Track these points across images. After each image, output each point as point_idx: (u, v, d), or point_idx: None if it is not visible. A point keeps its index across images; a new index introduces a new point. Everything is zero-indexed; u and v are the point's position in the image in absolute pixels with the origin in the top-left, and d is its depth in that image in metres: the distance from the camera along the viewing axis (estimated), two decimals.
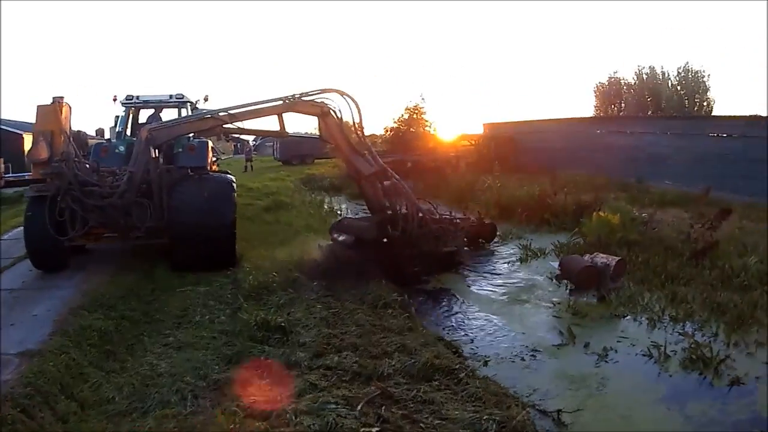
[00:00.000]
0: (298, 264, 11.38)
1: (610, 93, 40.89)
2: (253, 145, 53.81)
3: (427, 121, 31.05)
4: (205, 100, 14.61)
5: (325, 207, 21.82)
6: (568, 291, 9.95)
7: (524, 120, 31.91)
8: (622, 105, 40.41)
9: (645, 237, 12.63)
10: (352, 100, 12.23)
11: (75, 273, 11.49)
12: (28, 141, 23.33)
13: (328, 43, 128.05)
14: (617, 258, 10.03)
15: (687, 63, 38.60)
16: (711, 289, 9.33)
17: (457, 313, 9.72)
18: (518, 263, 12.40)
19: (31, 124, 13.04)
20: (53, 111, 11.75)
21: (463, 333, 8.65)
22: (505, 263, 12.67)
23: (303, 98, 12.08)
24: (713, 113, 35.40)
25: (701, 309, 8.57)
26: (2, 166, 21.77)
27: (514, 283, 11.08)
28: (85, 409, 6.29)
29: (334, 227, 13.65)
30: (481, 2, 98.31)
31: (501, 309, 9.61)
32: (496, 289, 10.76)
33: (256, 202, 21.17)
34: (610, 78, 41.34)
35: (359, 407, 5.69)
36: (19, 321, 8.66)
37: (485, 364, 7.27)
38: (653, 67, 39.33)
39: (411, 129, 29.83)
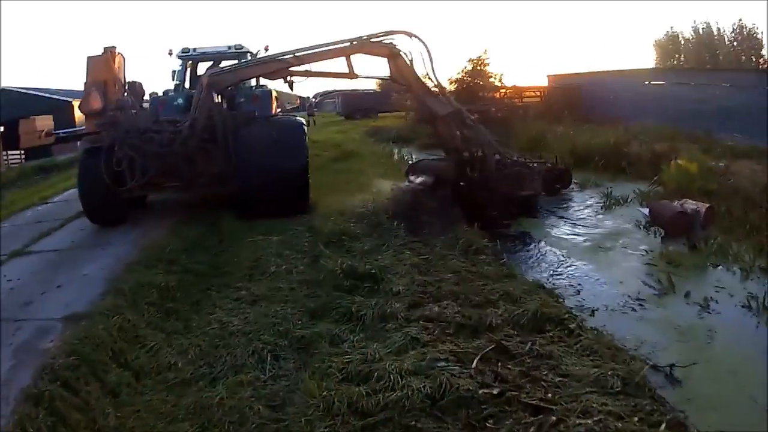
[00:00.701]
0: (377, 208, 10.31)
1: (669, 47, 38.65)
2: (315, 101, 50.19)
3: (491, 72, 29.65)
4: (266, 50, 13.07)
5: (395, 156, 20.70)
6: (659, 238, 9.15)
7: (589, 71, 30.26)
8: (681, 59, 38.04)
9: (723, 187, 11.68)
10: (422, 42, 11.16)
11: (132, 228, 10.40)
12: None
13: None
14: (707, 205, 9.23)
15: (740, 20, 36.19)
16: None
17: (548, 259, 8.80)
18: (601, 210, 11.54)
19: (78, 91, 12.01)
20: (105, 60, 10.90)
21: (561, 281, 7.68)
22: (586, 210, 11.81)
23: (371, 39, 11.02)
24: None
25: None
26: (51, 122, 19.74)
27: (600, 229, 10.26)
28: (140, 378, 5.17)
29: (410, 169, 12.79)
30: None
31: (592, 256, 8.77)
32: (583, 236, 9.95)
33: (323, 153, 19.98)
34: (668, 33, 39.06)
35: (474, 364, 4.79)
36: (67, 282, 7.47)
37: (593, 314, 6.37)
38: (709, 23, 37.21)
39: (476, 81, 28.53)
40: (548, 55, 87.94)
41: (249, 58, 12.81)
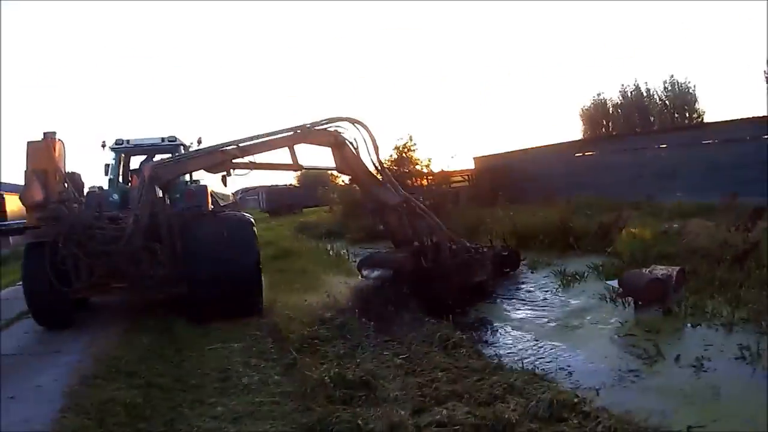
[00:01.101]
0: (337, 308, 10.42)
1: (597, 115, 40.84)
2: (238, 198, 52.32)
3: (417, 159, 30.65)
4: (199, 143, 13.56)
5: (332, 252, 20.98)
6: (633, 308, 9.43)
7: (515, 150, 31.93)
8: (611, 125, 40.34)
9: (680, 248, 12.41)
10: (365, 127, 11.69)
11: (79, 333, 10.34)
12: (10, 201, 21.14)
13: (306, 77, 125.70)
14: (677, 268, 9.69)
15: (672, 76, 38.49)
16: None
17: (523, 345, 8.86)
18: (558, 288, 11.87)
19: (8, 184, 12.21)
20: (45, 147, 10.68)
21: (548, 364, 7.69)
22: (542, 290, 12.14)
23: (315, 128, 11.47)
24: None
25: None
26: None
27: (564, 308, 10.54)
28: None
29: (363, 263, 12.96)
30: (451, 33, 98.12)
31: (565, 336, 8.96)
32: (548, 316, 10.17)
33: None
34: (595, 100, 41.41)
35: None
36: (20, 393, 7.36)
37: (597, 393, 6.36)
38: (638, 85, 39.40)
39: (402, 169, 29.37)
40: (474, 137, 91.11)
41: (182, 150, 13.34)
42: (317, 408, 6.14)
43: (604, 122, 40.56)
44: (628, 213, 16.85)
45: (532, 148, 30.59)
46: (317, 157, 12.25)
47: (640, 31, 76.42)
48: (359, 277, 12.66)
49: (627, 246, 12.70)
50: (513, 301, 11.71)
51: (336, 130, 11.61)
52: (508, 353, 8.36)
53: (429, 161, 29.21)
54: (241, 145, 11.06)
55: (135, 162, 14.58)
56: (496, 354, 8.16)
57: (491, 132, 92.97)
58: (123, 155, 14.20)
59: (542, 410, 5.57)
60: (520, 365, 7.41)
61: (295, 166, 11.70)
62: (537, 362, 7.78)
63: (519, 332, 9.55)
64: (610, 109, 40.66)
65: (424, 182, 29.61)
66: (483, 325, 10.36)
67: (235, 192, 51.22)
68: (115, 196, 12.89)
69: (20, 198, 10.99)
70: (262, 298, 11.12)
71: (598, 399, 6.13)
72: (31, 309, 10.73)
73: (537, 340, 8.88)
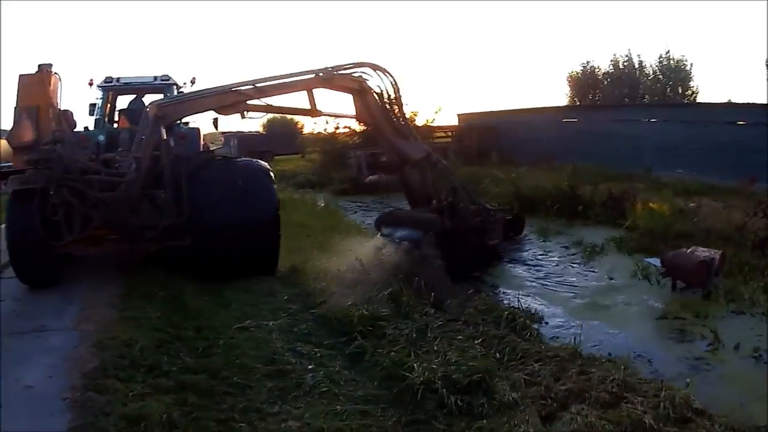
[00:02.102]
0: (374, 275, 9.49)
1: (585, 82, 41.02)
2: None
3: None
4: (192, 83, 13.19)
5: (321, 204, 20.84)
6: (669, 288, 9.79)
7: (503, 110, 32.18)
8: (598, 94, 40.61)
9: (697, 229, 12.88)
10: (390, 76, 11.42)
11: (66, 299, 9.02)
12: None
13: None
14: (719, 251, 9.98)
15: (668, 51, 38.85)
16: None
17: (574, 324, 8.75)
18: (583, 261, 12.15)
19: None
20: (39, 82, 10.02)
21: (621, 351, 7.47)
22: (563, 261, 12.42)
23: (339, 72, 11.06)
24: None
25: None
26: None
27: (598, 284, 10.76)
28: None
29: (384, 221, 12.08)
30: None
31: (612, 316, 9.12)
32: (585, 292, 10.35)
33: None
34: (585, 67, 41.50)
35: None
36: (6, 397, 5.57)
37: (687, 385, 6.32)
38: (630, 56, 39.52)
39: None
40: (458, 94, 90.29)
41: (175, 91, 12.88)
42: (423, 418, 5.46)
43: (592, 91, 40.91)
44: (635, 186, 17.30)
45: (522, 110, 31.01)
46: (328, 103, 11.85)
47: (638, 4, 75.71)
48: (378, 235, 11.89)
49: (645, 221, 13.06)
50: (529, 270, 12.02)
51: (361, 76, 11.30)
52: (567, 334, 8.28)
53: (415, 114, 29.10)
54: (258, 85, 10.51)
55: (123, 102, 13.98)
56: (559, 337, 8.26)
57: (475, 89, 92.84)
58: (111, 94, 13.61)
59: (670, 411, 5.48)
60: (597, 351, 7.44)
61: (313, 111, 11.19)
62: (607, 347, 7.79)
63: (561, 309, 9.68)
64: (600, 76, 40.99)
65: None
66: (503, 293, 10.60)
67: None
68: (101, 138, 12.08)
69: (7, 138, 10.09)
70: (278, 258, 10.60)
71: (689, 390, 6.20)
72: (15, 265, 9.60)
73: (585, 320, 8.92)
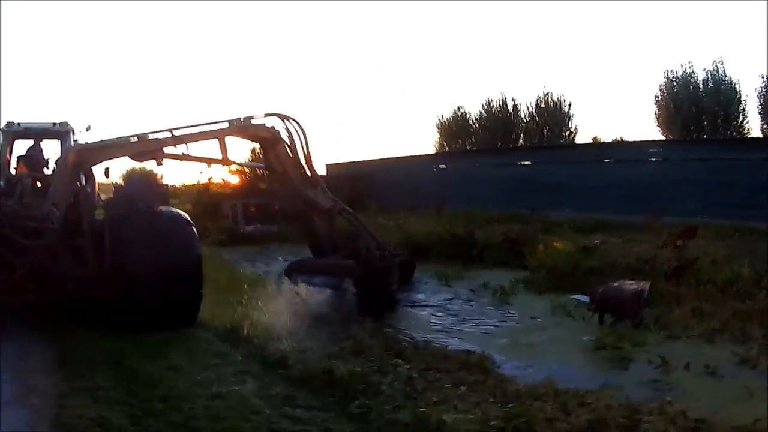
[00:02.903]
0: (312, 325, 9.82)
1: (456, 128, 41.66)
2: None
3: None
4: (87, 129, 13.35)
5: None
6: (604, 323, 9.87)
7: (376, 158, 32.70)
8: (472, 139, 41.29)
9: (604, 264, 13.29)
10: (298, 125, 11.94)
11: None
12: None
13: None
14: (648, 283, 10.40)
15: (546, 92, 39.55)
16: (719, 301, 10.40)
17: (504, 361, 8.55)
18: (499, 304, 12.08)
19: None
20: None
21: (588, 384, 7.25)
22: (465, 303, 12.46)
23: (252, 122, 11.51)
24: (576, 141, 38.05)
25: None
26: None
27: (526, 322, 10.73)
28: None
29: (296, 269, 12.74)
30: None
31: (558, 352, 8.93)
32: (504, 332, 10.25)
33: None
34: (455, 112, 41.99)
35: None
36: None
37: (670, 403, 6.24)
38: (505, 99, 40.19)
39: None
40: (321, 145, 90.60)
41: (72, 137, 13.26)
42: None
43: (464, 136, 41.62)
44: (526, 227, 17.72)
45: (398, 158, 31.58)
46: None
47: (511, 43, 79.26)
48: (289, 284, 12.45)
49: (551, 260, 13.24)
50: (455, 315, 11.69)
51: (273, 126, 11.75)
52: (520, 374, 7.92)
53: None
54: (175, 133, 10.76)
55: (21, 148, 14.11)
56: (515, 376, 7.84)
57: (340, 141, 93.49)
58: (10, 138, 13.75)
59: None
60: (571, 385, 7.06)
61: (225, 160, 11.56)
62: (565, 380, 7.39)
63: (496, 351, 9.11)
64: (471, 122, 41.73)
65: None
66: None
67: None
68: (1, 183, 12.26)
69: None
70: (200, 305, 10.50)
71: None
72: None
73: (527, 359, 8.70)
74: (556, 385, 6.93)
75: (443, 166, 29.95)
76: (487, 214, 21.19)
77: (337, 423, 6.11)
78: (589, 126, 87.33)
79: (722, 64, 32.54)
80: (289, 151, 11.89)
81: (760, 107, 32.32)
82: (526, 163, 26.05)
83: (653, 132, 34.57)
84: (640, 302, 9.80)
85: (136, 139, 10.84)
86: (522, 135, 39.90)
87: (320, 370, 7.29)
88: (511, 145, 37.69)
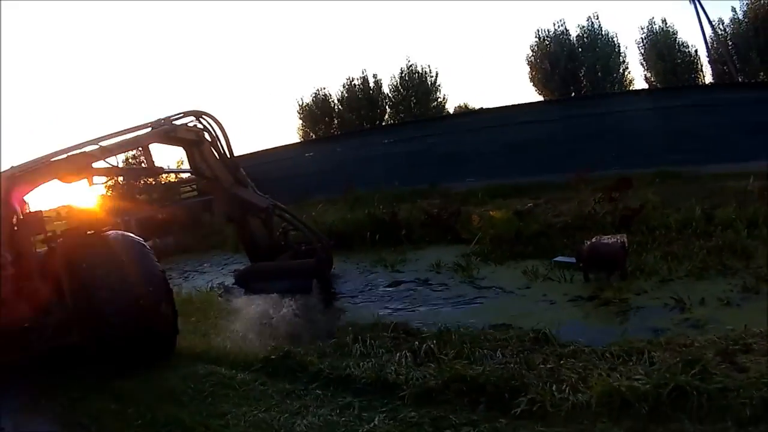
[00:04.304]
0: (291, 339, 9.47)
1: (318, 110, 42.22)
2: None
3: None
4: None
5: None
6: (590, 280, 10.54)
7: (249, 152, 32.36)
8: (335, 121, 42.05)
9: (544, 225, 14.34)
10: (216, 122, 11.80)
11: None
12: None
13: None
14: (624, 234, 11.18)
15: (411, 63, 40.94)
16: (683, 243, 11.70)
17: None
18: (455, 277, 12.36)
19: None
20: None
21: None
22: (452, 281, 12.30)
23: (175, 123, 11.16)
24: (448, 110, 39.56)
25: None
26: None
27: (519, 288, 11.00)
28: None
29: (248, 278, 12.43)
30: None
31: (550, 314, 9.22)
32: (501, 302, 10.49)
33: None
34: (316, 94, 42.55)
35: None
36: None
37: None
38: (366, 76, 41.24)
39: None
40: None
41: None
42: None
43: (326, 119, 42.29)
44: (449, 200, 18.59)
45: (272, 149, 31.66)
46: None
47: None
48: (243, 293, 12.37)
49: (496, 229, 14.10)
50: (437, 291, 11.89)
51: (196, 126, 11.53)
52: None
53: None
54: (102, 144, 9.86)
55: None
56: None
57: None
58: None
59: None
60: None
61: (155, 169, 11.25)
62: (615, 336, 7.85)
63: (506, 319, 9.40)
64: (333, 103, 42.40)
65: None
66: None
67: None
68: None
69: None
70: (177, 334, 9.61)
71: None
72: None
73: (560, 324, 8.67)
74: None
75: (310, 154, 30.27)
76: (385, 194, 21.77)
77: None
78: (460, 95, 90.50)
79: (597, 18, 35.52)
80: (214, 152, 11.66)
81: (641, 57, 35.64)
82: (416, 136, 26.86)
83: (531, 94, 36.66)
84: (626, 254, 10.59)
85: (61, 157, 9.72)
86: (387, 110, 41.25)
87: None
88: (392, 122, 39.10)
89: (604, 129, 22.34)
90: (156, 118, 11.07)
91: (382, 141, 28.66)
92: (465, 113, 35.07)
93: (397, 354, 7.74)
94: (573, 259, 11.19)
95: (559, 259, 11.85)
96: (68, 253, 9.02)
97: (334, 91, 42.82)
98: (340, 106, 42.19)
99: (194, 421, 6.67)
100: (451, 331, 8.47)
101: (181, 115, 11.34)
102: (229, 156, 11.94)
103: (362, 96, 41.05)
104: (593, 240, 10.92)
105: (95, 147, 9.81)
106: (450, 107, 42.03)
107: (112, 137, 10.21)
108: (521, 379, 6.25)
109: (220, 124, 11.76)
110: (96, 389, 8.12)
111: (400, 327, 9.04)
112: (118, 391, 7.87)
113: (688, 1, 33.78)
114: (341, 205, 21.87)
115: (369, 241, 16.62)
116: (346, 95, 41.77)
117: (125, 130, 10.55)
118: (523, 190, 19.75)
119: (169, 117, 11.16)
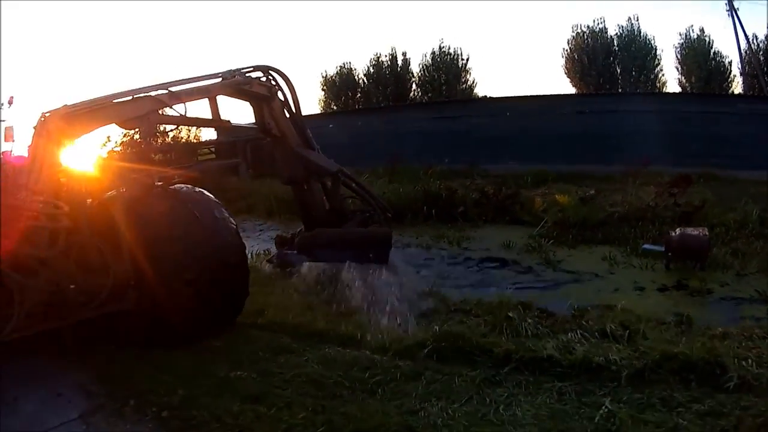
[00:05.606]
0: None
1: (340, 84, 43.12)
2: None
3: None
4: (10, 103, 12.31)
5: None
6: (670, 268, 11.60)
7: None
8: (359, 96, 42.95)
9: (608, 214, 15.32)
10: (285, 78, 11.09)
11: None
12: None
13: None
14: (705, 228, 12.36)
15: (443, 45, 41.87)
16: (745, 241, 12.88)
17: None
18: (552, 262, 12.60)
19: None
20: None
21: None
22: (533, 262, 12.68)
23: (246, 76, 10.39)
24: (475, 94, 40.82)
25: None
26: None
27: (589, 280, 11.43)
28: None
29: (311, 245, 11.24)
30: None
31: (652, 301, 9.97)
32: (592, 288, 10.95)
33: None
34: (342, 66, 43.51)
35: None
36: None
37: None
38: (395, 54, 42.10)
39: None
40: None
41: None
42: None
43: (349, 92, 43.20)
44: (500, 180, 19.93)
45: (313, 116, 32.45)
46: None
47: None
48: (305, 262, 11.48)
49: (561, 214, 15.16)
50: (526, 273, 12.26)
51: (268, 80, 10.81)
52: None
53: (179, 130, 28.83)
54: (172, 89, 9.00)
55: None
56: None
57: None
58: None
59: None
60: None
61: (222, 122, 10.22)
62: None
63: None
64: (359, 77, 43.41)
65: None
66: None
67: None
68: None
69: None
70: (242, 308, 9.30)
71: None
72: None
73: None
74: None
75: (331, 126, 31.03)
76: (426, 170, 22.52)
77: None
78: (488, 82, 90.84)
79: (637, 20, 37.59)
80: (284, 110, 11.08)
81: (677, 62, 37.75)
82: (456, 116, 27.91)
83: (565, 85, 38.39)
84: (710, 247, 11.87)
85: (125, 99, 8.54)
86: (414, 89, 42.20)
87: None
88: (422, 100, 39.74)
89: (646, 126, 23.68)
90: (225, 69, 10.32)
91: (419, 117, 29.64)
92: (508, 98, 36.17)
93: (569, 334, 7.85)
94: (662, 248, 12.12)
95: (647, 246, 12.79)
96: (133, 206, 8.28)
97: (361, 66, 43.81)
98: (366, 80, 43.03)
99: (390, 421, 5.97)
100: (612, 311, 8.92)
101: (252, 68, 10.66)
102: (298, 116, 11.41)
103: (390, 73, 41.90)
104: (680, 231, 11.94)
105: (163, 92, 8.94)
106: (479, 93, 42.38)
107: (179, 84, 9.28)
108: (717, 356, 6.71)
109: (290, 82, 11.11)
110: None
111: (528, 307, 9.20)
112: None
113: (726, 14, 35.83)
114: (383, 179, 22.37)
115: (423, 217, 16.96)
116: (372, 71, 42.55)
117: (192, 78, 9.58)
118: (567, 179, 20.76)
119: (239, 69, 10.41)
